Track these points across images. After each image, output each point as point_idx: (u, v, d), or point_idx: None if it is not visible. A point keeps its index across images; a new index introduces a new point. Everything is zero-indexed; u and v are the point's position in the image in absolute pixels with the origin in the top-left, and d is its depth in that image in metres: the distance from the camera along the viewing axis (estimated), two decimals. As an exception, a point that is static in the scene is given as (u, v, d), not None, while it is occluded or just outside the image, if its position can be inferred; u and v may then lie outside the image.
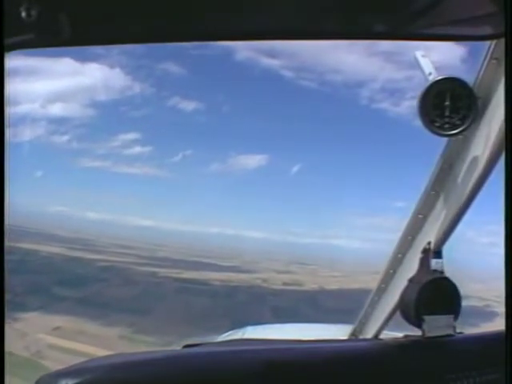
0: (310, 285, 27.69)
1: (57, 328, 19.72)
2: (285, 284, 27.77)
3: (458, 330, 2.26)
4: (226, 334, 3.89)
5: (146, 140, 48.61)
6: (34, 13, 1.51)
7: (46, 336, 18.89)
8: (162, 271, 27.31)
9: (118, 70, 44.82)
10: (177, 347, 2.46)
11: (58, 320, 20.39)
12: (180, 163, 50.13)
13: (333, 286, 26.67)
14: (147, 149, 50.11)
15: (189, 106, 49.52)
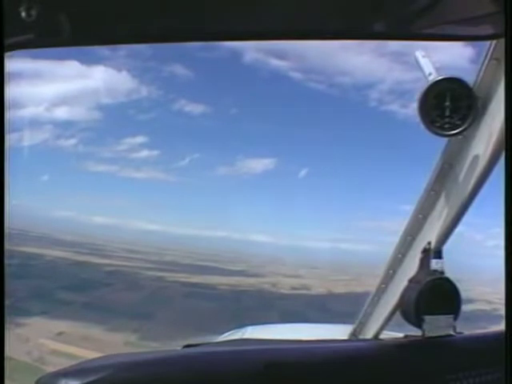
0: (319, 289, 27.67)
1: (60, 333, 19.70)
2: (293, 288, 27.76)
3: (458, 330, 2.26)
4: (226, 334, 3.90)
5: (153, 144, 48.68)
6: (33, 13, 1.52)
7: (49, 341, 18.85)
8: (169, 275, 27.32)
9: (124, 73, 44.98)
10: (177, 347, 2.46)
11: (62, 325, 20.36)
12: (187, 167, 50.18)
13: (341, 289, 26.63)
14: (154, 152, 50.14)
15: (196, 108, 49.55)
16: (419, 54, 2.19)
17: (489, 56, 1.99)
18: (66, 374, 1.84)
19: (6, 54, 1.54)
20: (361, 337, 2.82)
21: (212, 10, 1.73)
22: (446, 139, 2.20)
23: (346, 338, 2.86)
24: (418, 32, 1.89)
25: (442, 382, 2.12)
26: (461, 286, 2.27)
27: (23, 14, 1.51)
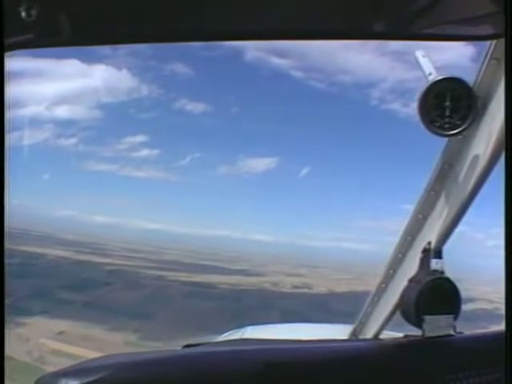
0: (320, 288, 27.69)
1: (61, 333, 19.66)
2: (294, 287, 27.76)
3: (458, 330, 2.27)
4: (226, 334, 3.90)
5: (154, 143, 48.69)
6: (33, 13, 1.52)
7: (50, 341, 18.82)
8: (170, 275, 27.31)
9: (124, 72, 44.93)
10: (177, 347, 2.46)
11: (62, 324, 20.32)
12: (188, 166, 50.21)
13: (342, 288, 26.63)
14: (155, 152, 50.17)
15: (197, 107, 49.54)
16: (419, 54, 2.18)
17: (489, 56, 1.99)
18: (66, 373, 1.84)
19: (6, 54, 1.54)
20: (361, 337, 2.82)
21: (212, 10, 1.73)
22: (446, 139, 2.20)
23: (346, 337, 2.86)
24: (418, 32, 1.90)
25: (442, 382, 2.12)
26: (461, 286, 2.28)
27: (23, 14, 1.51)
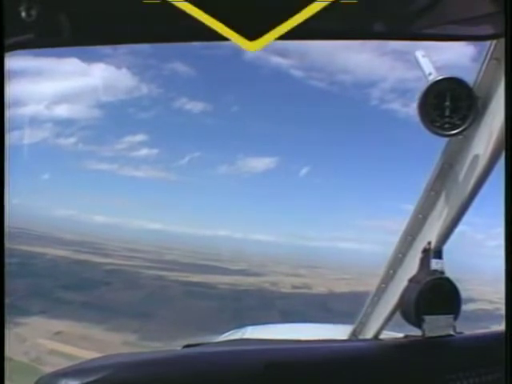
0: (319, 288, 27.66)
1: (58, 333, 19.60)
2: (293, 287, 27.74)
3: (458, 330, 2.27)
4: (226, 334, 3.90)
5: (154, 142, 48.54)
6: (33, 13, 1.52)
7: (47, 341, 18.79)
8: (170, 275, 27.28)
9: (124, 71, 44.77)
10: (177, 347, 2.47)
11: (61, 324, 20.28)
12: (188, 165, 50.08)
13: (342, 288, 26.60)
14: (154, 151, 50.09)
15: (196, 107, 49.43)
16: (419, 54, 2.19)
17: (489, 56, 1.99)
18: (66, 374, 1.85)
19: (6, 54, 1.55)
20: (361, 337, 2.82)
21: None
22: (446, 139, 2.20)
23: (346, 338, 2.86)
24: (418, 32, 1.89)
25: (442, 382, 2.13)
26: (461, 286, 2.28)
27: (23, 14, 1.51)
